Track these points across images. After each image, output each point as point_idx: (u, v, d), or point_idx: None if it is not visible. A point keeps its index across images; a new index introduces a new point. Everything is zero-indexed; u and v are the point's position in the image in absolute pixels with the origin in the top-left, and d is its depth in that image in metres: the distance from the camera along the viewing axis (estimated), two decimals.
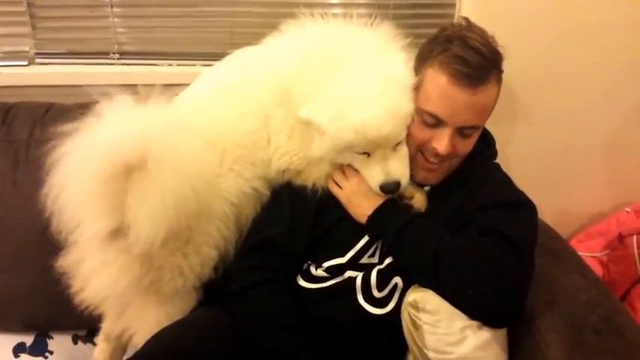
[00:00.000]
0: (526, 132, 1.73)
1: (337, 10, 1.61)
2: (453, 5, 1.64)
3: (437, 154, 1.12)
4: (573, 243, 1.79)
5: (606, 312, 1.14)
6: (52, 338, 1.54)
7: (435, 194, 1.21)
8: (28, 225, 1.38)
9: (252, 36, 1.30)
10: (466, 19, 1.16)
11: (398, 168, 1.13)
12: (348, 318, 1.16)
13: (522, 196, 1.18)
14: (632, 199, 1.81)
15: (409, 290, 1.11)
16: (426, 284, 1.09)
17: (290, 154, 1.19)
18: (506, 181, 1.23)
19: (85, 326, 1.50)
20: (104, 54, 1.65)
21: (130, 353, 1.25)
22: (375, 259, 1.19)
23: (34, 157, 1.42)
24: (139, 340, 1.15)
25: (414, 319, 1.06)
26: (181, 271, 1.17)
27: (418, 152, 1.16)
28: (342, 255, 1.18)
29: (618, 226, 1.75)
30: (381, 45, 1.15)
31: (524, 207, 1.16)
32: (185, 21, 1.64)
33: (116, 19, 1.63)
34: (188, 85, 1.30)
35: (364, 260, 1.18)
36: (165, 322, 1.15)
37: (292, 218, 1.19)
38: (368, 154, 1.12)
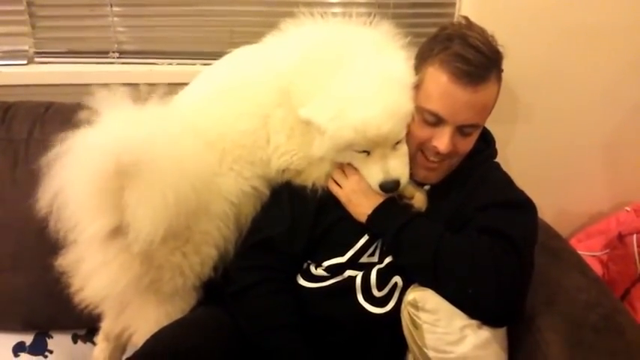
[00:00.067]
0: (526, 131, 1.73)
1: (337, 10, 1.61)
2: (452, 4, 1.64)
3: (437, 153, 1.12)
4: (573, 242, 1.79)
5: (606, 311, 1.14)
6: (52, 337, 1.54)
7: (435, 193, 1.21)
8: (28, 224, 1.36)
9: (252, 35, 1.30)
10: (466, 18, 1.16)
11: (397, 167, 1.13)
12: (348, 317, 1.16)
13: (522, 195, 1.18)
14: (631, 199, 1.81)
15: (409, 289, 1.11)
16: (425, 283, 1.09)
17: (290, 154, 1.19)
18: (506, 181, 1.23)
19: (85, 325, 1.50)
20: (104, 53, 1.65)
21: (129, 352, 1.25)
22: (375, 259, 1.19)
23: (34, 157, 1.42)
24: (139, 339, 1.15)
25: (414, 318, 1.06)
26: (181, 270, 1.17)
27: (418, 151, 1.16)
28: (342, 254, 1.18)
29: (618, 225, 1.75)
30: (380, 44, 1.15)
31: (524, 206, 1.16)
32: (185, 20, 1.64)
33: (116, 18, 1.62)
34: (188, 84, 1.30)
35: (364, 259, 1.18)
36: (164, 322, 1.15)
37: (292, 218, 1.19)
38: (367, 153, 1.12)
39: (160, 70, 1.64)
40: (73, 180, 1.03)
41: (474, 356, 1.04)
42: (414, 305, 1.06)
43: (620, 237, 1.69)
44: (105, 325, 1.37)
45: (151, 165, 1.01)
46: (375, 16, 1.20)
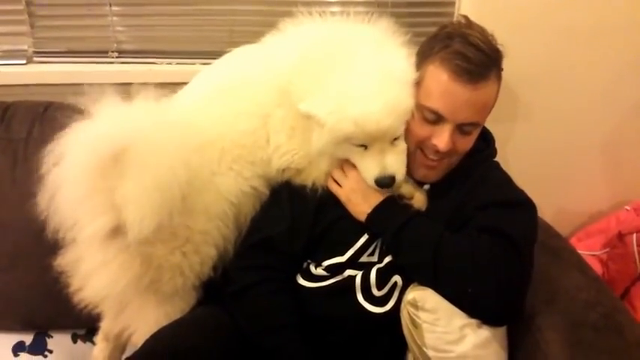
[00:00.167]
0: (526, 131, 1.73)
1: (335, 9, 1.61)
2: (452, 4, 1.64)
3: (437, 151, 1.12)
4: (573, 241, 1.79)
5: (606, 310, 1.14)
6: (52, 337, 1.54)
7: (434, 192, 1.21)
8: (27, 224, 1.35)
9: (252, 34, 1.30)
10: (466, 17, 1.16)
11: (394, 163, 1.12)
12: (348, 317, 1.16)
13: (522, 194, 1.18)
14: (631, 198, 1.81)
15: (408, 289, 1.11)
16: (425, 283, 1.09)
17: (291, 153, 1.19)
18: (506, 180, 1.23)
19: (85, 325, 1.50)
20: (103, 52, 1.65)
21: (129, 352, 1.25)
22: (375, 258, 1.19)
23: (33, 156, 1.42)
24: (138, 339, 1.15)
25: (414, 317, 1.06)
26: (181, 270, 1.17)
27: (418, 149, 1.16)
28: (342, 254, 1.18)
29: (618, 224, 1.75)
30: (381, 40, 1.15)
31: (523, 205, 1.16)
32: (184, 19, 1.64)
33: (115, 18, 1.62)
34: (187, 83, 1.30)
35: (364, 259, 1.18)
36: (164, 322, 1.15)
37: (292, 217, 1.19)
38: (365, 147, 1.12)
39: (159, 70, 1.64)
40: (68, 179, 1.03)
41: (474, 355, 1.04)
42: (414, 304, 1.06)
43: (620, 236, 1.69)
44: (104, 325, 1.37)
45: (133, 152, 1.01)
46: (373, 14, 1.20)
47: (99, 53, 1.65)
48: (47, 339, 1.53)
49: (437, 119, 1.11)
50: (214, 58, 1.32)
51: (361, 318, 1.15)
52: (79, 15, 1.62)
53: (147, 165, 1.01)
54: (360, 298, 1.15)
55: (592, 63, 1.65)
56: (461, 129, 1.12)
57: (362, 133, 1.08)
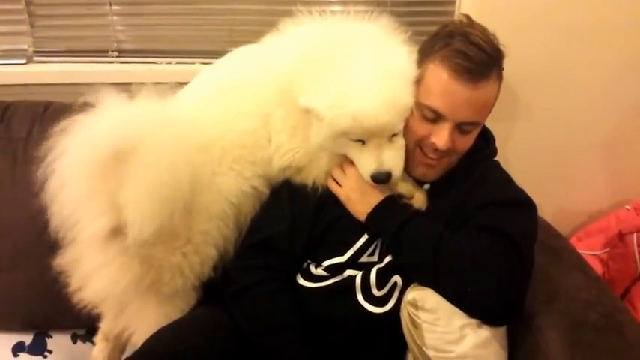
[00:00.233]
0: (526, 130, 1.73)
1: (335, 8, 1.61)
2: (452, 3, 1.64)
3: (436, 150, 1.12)
4: (573, 241, 1.79)
5: (606, 310, 1.14)
6: (52, 337, 1.53)
7: (434, 192, 1.21)
8: (27, 224, 1.38)
9: (252, 34, 1.30)
10: (467, 16, 1.16)
11: (391, 159, 1.12)
12: (348, 317, 1.16)
13: (522, 194, 1.18)
14: (631, 197, 1.81)
15: (408, 289, 1.11)
16: (425, 282, 1.09)
17: (292, 152, 1.18)
18: (506, 179, 1.23)
19: (84, 325, 1.50)
20: (103, 52, 1.65)
21: (128, 352, 1.25)
22: (375, 258, 1.18)
23: (33, 156, 1.42)
24: (138, 339, 1.15)
25: (414, 317, 1.06)
26: (181, 270, 1.16)
27: (417, 148, 1.15)
28: (342, 253, 1.18)
29: (618, 223, 1.75)
30: (382, 38, 1.15)
31: (523, 205, 1.15)
32: (184, 19, 1.64)
33: (115, 17, 1.62)
34: (187, 83, 1.30)
35: (364, 259, 1.18)
36: (164, 322, 1.14)
37: (292, 217, 1.19)
38: (363, 143, 1.12)
39: (159, 69, 1.64)
40: (70, 178, 1.03)
41: (474, 355, 1.04)
42: (414, 304, 1.06)
43: (620, 235, 1.69)
44: (104, 325, 1.37)
45: (135, 152, 1.00)
46: (373, 14, 1.20)
47: (99, 53, 1.65)
48: (47, 339, 1.53)
49: (436, 118, 1.10)
50: (214, 58, 1.32)
51: (361, 318, 1.15)
52: (79, 14, 1.62)
53: (149, 166, 1.01)
54: (360, 298, 1.15)
55: (592, 63, 1.65)
56: (460, 128, 1.12)
57: (360, 129, 1.08)
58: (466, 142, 1.15)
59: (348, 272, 1.17)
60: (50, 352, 1.52)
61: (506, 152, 1.63)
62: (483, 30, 1.11)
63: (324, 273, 1.19)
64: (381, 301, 1.15)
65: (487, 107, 1.14)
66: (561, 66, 1.65)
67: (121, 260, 1.10)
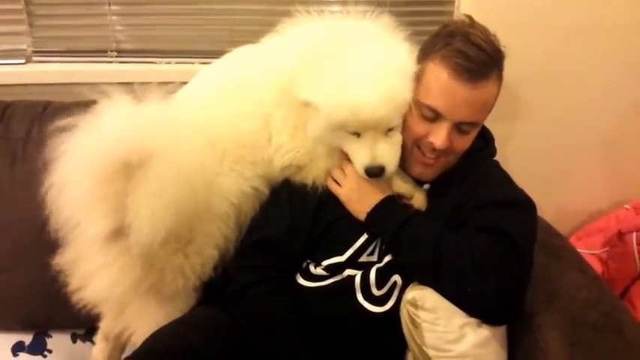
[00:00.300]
0: (525, 130, 1.73)
1: (334, 8, 1.61)
2: (452, 3, 1.64)
3: (433, 149, 1.12)
4: (573, 240, 1.79)
5: (606, 309, 1.14)
6: (51, 337, 1.53)
7: (434, 191, 1.21)
8: (27, 224, 1.38)
9: (252, 34, 1.30)
10: (469, 16, 1.16)
11: (386, 153, 1.12)
12: (348, 316, 1.16)
13: (522, 193, 1.18)
14: (631, 196, 1.81)
15: (408, 288, 1.11)
16: (425, 282, 1.09)
17: (293, 152, 1.19)
18: (506, 179, 1.23)
19: (84, 325, 1.50)
20: (102, 52, 1.65)
21: (128, 352, 1.25)
22: (375, 258, 1.18)
23: (32, 156, 1.42)
24: (138, 339, 1.14)
25: (413, 317, 1.06)
26: (182, 271, 1.16)
27: (415, 146, 1.16)
28: (342, 253, 1.18)
29: (617, 223, 1.75)
30: (381, 35, 1.15)
31: (523, 205, 1.15)
32: (183, 19, 1.64)
33: (114, 17, 1.62)
34: (186, 83, 1.29)
35: (363, 258, 1.18)
36: (164, 322, 1.14)
37: (291, 217, 1.19)
38: (358, 135, 1.12)
39: (158, 69, 1.64)
40: (73, 179, 1.02)
41: (474, 354, 1.04)
42: (414, 304, 1.06)
43: (620, 235, 1.69)
44: (104, 325, 1.37)
45: (150, 163, 1.00)
46: (373, 13, 1.20)
47: (98, 53, 1.65)
48: (47, 339, 1.53)
49: (435, 117, 1.10)
50: (214, 58, 1.32)
51: (361, 317, 1.15)
52: (78, 14, 1.62)
53: (167, 183, 1.00)
54: (359, 297, 1.15)
55: (592, 63, 1.65)
56: (459, 128, 1.12)
57: (356, 121, 1.08)
58: (464, 143, 1.15)
59: (348, 272, 1.17)
60: (50, 351, 1.51)
61: (506, 152, 1.63)
62: (484, 30, 1.11)
63: (324, 273, 1.19)
64: (380, 301, 1.15)
65: (486, 108, 1.14)
66: (561, 66, 1.65)
67: (121, 261, 1.10)
